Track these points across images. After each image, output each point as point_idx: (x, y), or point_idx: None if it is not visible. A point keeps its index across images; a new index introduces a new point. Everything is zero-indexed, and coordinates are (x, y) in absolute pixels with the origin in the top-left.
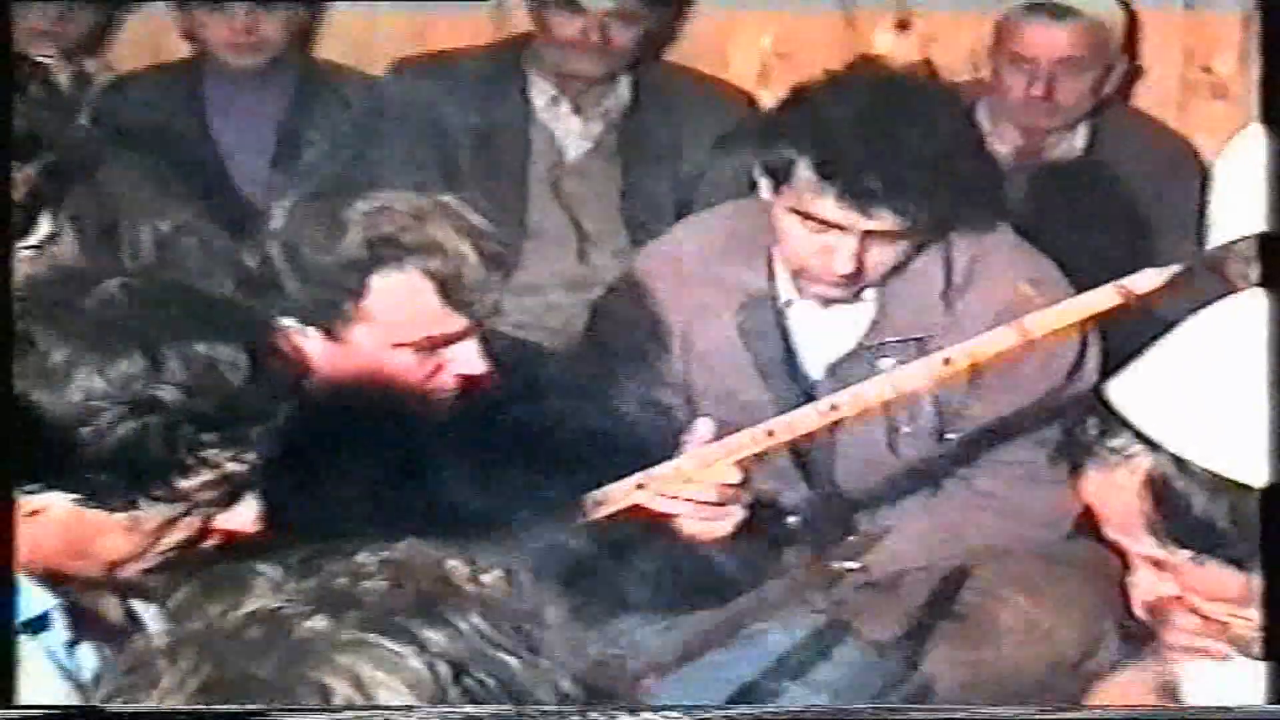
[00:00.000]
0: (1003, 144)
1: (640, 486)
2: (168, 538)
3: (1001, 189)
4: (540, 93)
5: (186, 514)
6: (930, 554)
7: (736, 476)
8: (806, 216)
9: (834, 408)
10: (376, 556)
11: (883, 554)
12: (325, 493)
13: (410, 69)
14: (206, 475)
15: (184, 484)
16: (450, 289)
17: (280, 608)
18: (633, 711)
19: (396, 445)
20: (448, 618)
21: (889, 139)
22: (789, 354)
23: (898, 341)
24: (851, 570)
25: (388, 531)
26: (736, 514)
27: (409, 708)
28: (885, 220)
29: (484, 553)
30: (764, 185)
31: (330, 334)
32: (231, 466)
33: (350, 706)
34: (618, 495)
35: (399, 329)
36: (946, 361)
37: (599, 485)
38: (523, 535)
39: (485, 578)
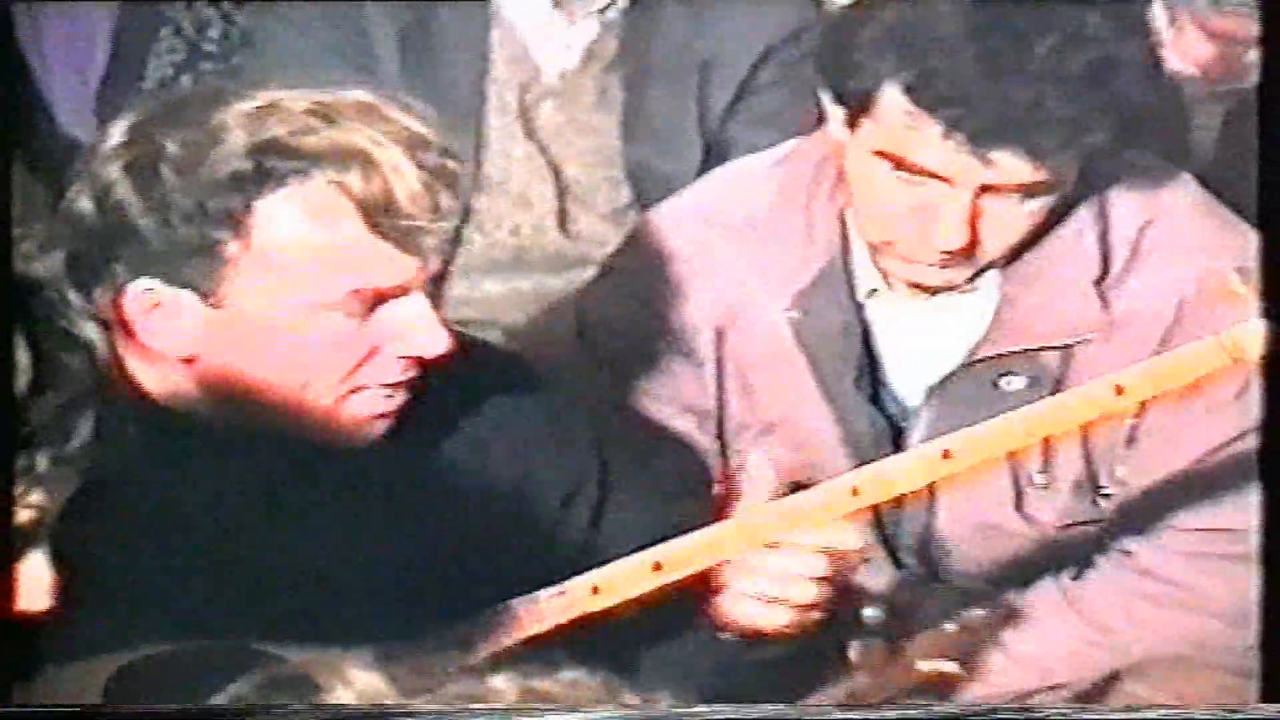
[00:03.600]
0: (1186, 59)
1: (658, 568)
2: None
3: (1184, 124)
4: None
5: None
6: (1073, 664)
7: (854, 540)
8: (898, 163)
9: (947, 455)
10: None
11: (997, 658)
12: (150, 555)
13: None
14: None
15: None
16: (379, 213)
17: None
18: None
19: (274, 491)
20: None
21: (1019, 50)
22: (870, 368)
23: (1029, 352)
24: (945, 675)
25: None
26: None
27: (409, 708)
28: (1012, 168)
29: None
30: (835, 117)
31: (209, 296)
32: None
33: (350, 706)
34: (626, 578)
35: (306, 279)
36: (1119, 391)
37: (584, 566)
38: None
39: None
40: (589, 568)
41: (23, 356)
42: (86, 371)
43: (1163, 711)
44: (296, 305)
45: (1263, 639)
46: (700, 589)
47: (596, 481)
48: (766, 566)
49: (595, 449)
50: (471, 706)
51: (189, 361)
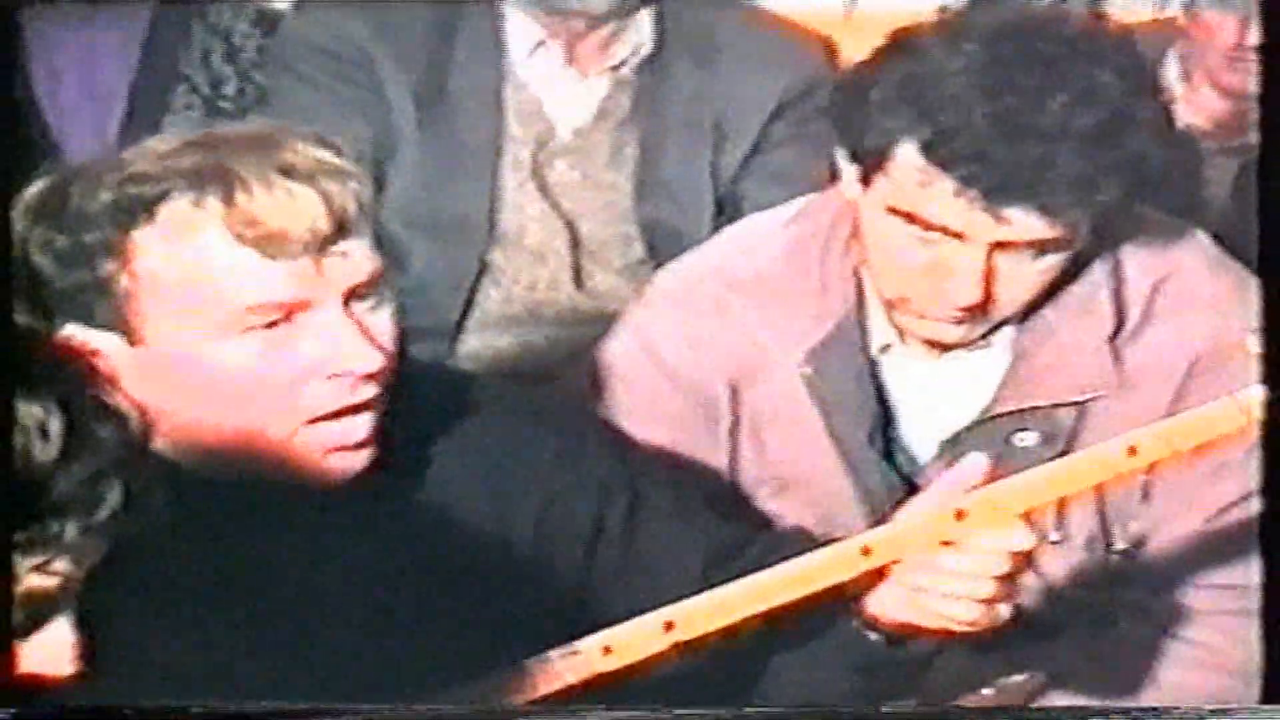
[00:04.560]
0: (1199, 113)
1: (669, 627)
2: None
3: (1197, 180)
4: (521, 35)
5: None
6: None
7: (1026, 540)
8: (911, 219)
9: (960, 515)
10: None
11: None
12: (171, 618)
13: None
14: None
15: None
16: (246, 228)
17: None
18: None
19: (283, 546)
20: None
21: (1033, 107)
22: (884, 424)
23: (1043, 409)
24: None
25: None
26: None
27: (409, 707)
28: (1027, 225)
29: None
30: (849, 174)
31: (126, 335)
32: (34, 581)
33: (350, 706)
34: (638, 638)
35: (196, 302)
36: (1133, 452)
37: (596, 625)
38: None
39: None
40: (616, 612)
41: (55, 424)
42: (117, 441)
43: (1162, 712)
44: (201, 331)
45: (1263, 639)
46: (851, 588)
47: (622, 519)
48: (946, 564)
49: (620, 486)
50: (473, 707)
51: (143, 413)
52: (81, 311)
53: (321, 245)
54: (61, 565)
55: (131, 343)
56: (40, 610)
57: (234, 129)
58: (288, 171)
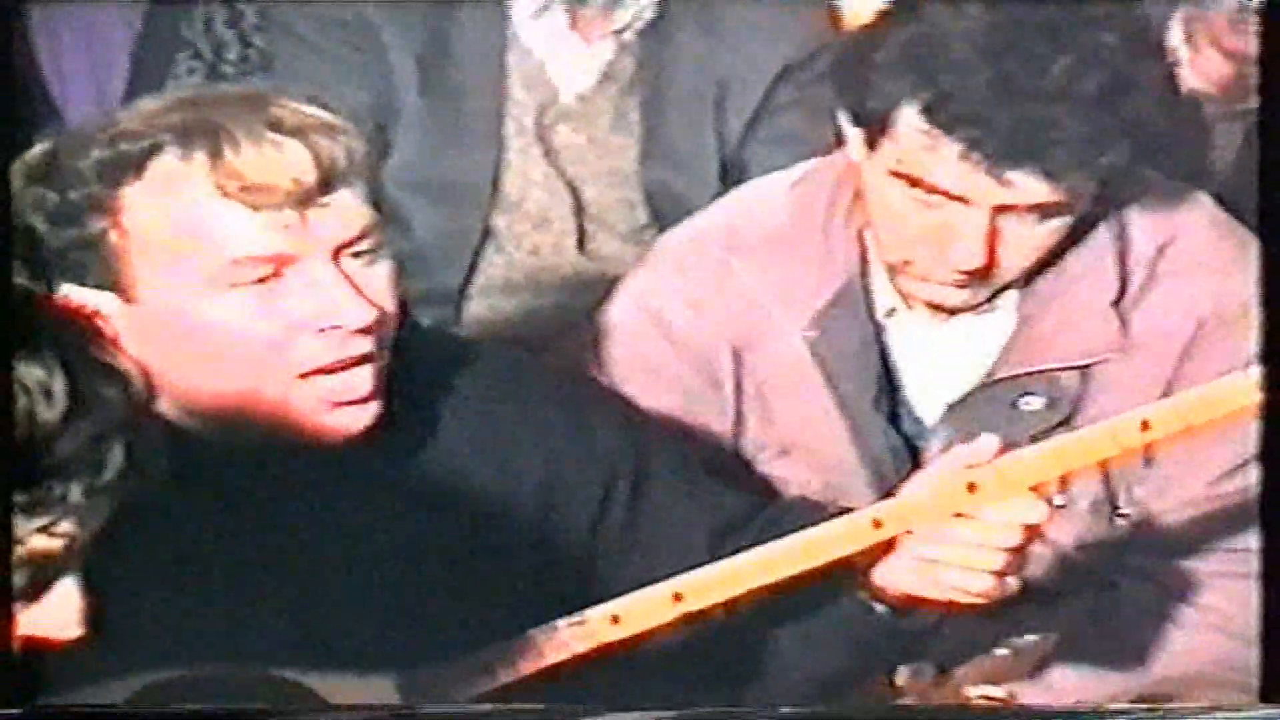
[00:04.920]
0: (1204, 77)
1: (678, 598)
2: None
3: (1202, 144)
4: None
5: None
6: (1100, 686)
7: (1037, 513)
8: (915, 183)
9: (972, 488)
10: None
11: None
12: (179, 579)
13: None
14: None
15: None
16: (232, 182)
17: None
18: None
19: (289, 510)
20: None
21: (1036, 69)
22: (888, 388)
23: (1047, 372)
24: (992, 700)
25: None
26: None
27: (410, 707)
28: (1030, 188)
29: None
30: (853, 138)
31: (120, 292)
32: (39, 542)
33: (350, 707)
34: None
35: (184, 256)
36: (1145, 426)
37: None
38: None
39: None
40: (623, 582)
41: (58, 385)
42: (120, 402)
43: (1163, 712)
44: (191, 287)
45: (1263, 639)
46: (857, 560)
47: (629, 489)
48: (958, 535)
49: (626, 454)
50: (475, 707)
51: (145, 373)
52: (75, 271)
53: (307, 198)
54: (66, 527)
55: (126, 301)
56: (45, 572)
57: (226, 88)
58: (276, 126)
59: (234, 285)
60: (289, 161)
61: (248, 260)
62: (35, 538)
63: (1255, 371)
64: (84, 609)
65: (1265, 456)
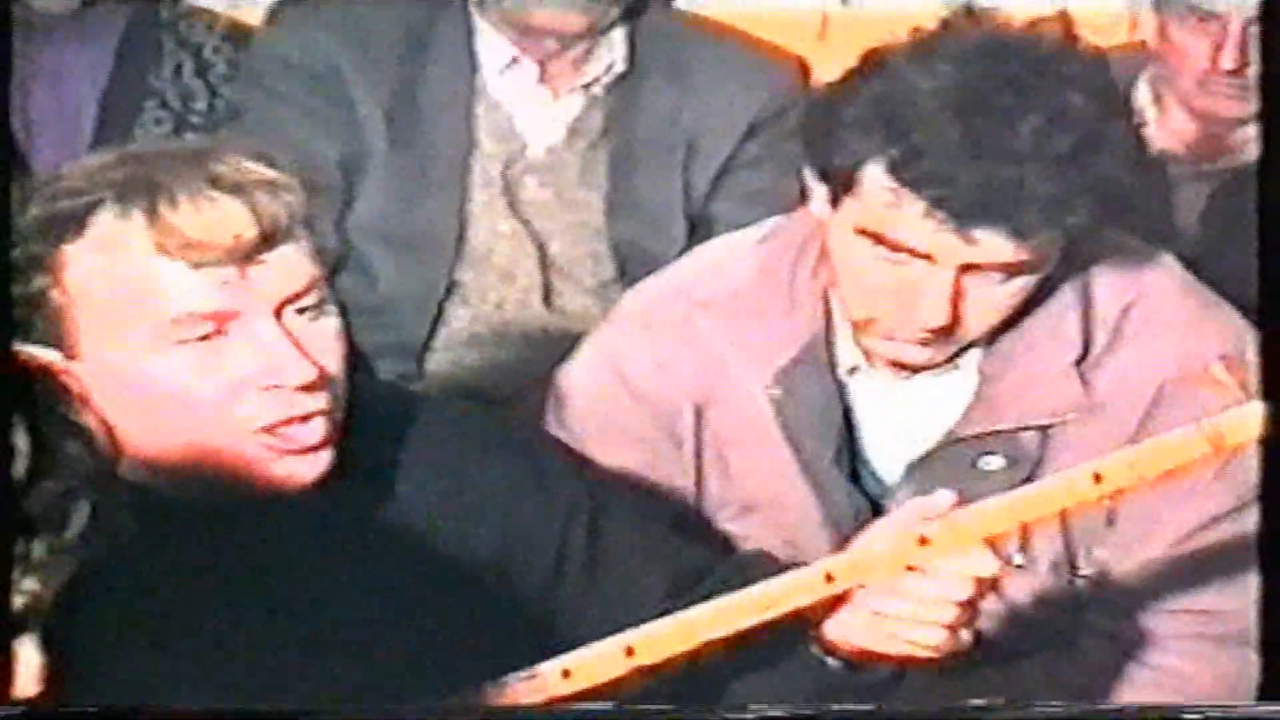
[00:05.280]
0: (1171, 138)
1: (630, 653)
2: None
3: (1168, 204)
4: (492, 51)
5: None
6: None
7: (989, 566)
8: (880, 240)
9: (924, 542)
10: None
11: None
12: (132, 632)
13: (296, 9)
14: None
15: None
16: (171, 240)
17: None
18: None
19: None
20: None
21: (1003, 129)
22: (850, 446)
23: (1008, 432)
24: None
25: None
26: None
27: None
28: (996, 247)
29: None
30: (818, 194)
31: (64, 350)
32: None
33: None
34: (598, 662)
35: (123, 314)
36: (1098, 479)
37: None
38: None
39: None
40: (579, 636)
41: (21, 441)
42: (85, 458)
43: (1163, 712)
44: (134, 345)
45: (1263, 639)
46: (810, 613)
47: (585, 543)
48: (909, 589)
49: (582, 508)
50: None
51: (108, 430)
52: (23, 326)
53: (248, 254)
54: (29, 584)
55: (70, 358)
56: (5, 630)
57: (170, 144)
58: (216, 183)
59: (177, 342)
60: (226, 218)
61: (188, 317)
62: None
63: (1209, 424)
64: (44, 668)
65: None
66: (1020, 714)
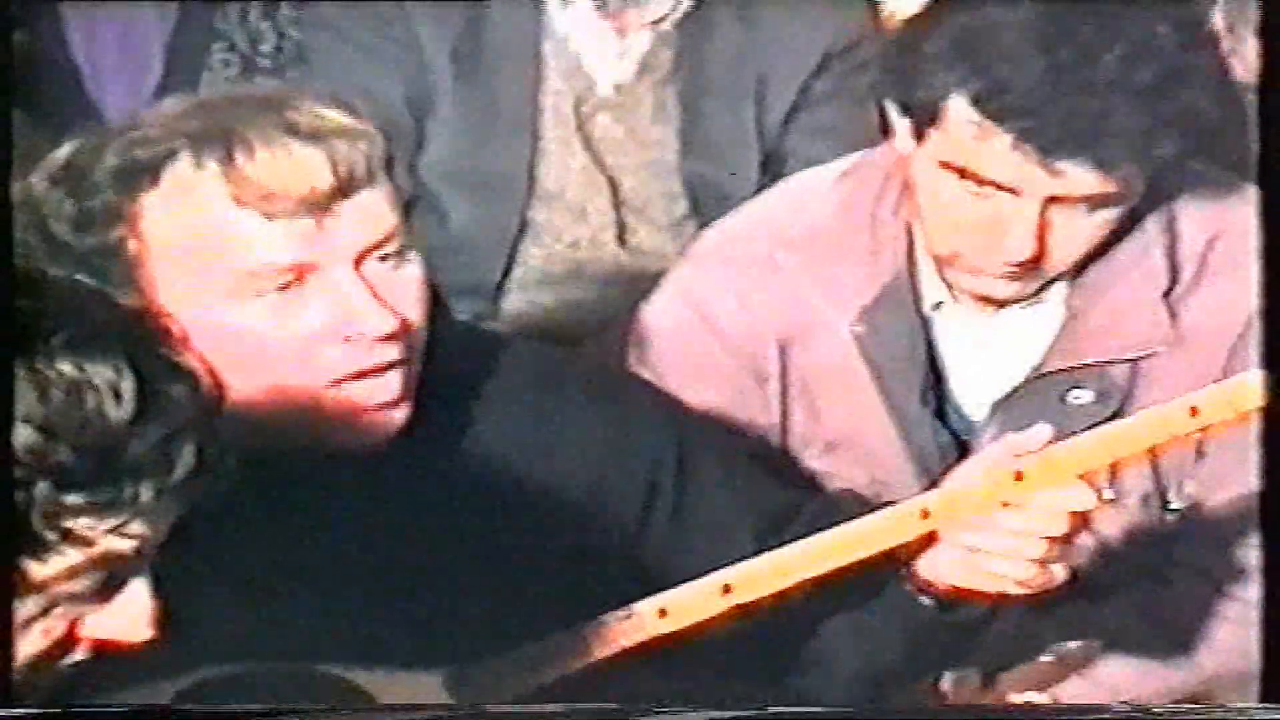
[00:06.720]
0: (1246, 67)
1: (727, 590)
2: (18, 647)
3: (1249, 133)
4: None
5: (44, 614)
6: (1146, 681)
7: (1085, 500)
8: (965, 174)
9: (1019, 477)
10: None
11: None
12: (227, 579)
13: None
14: (73, 556)
15: (40, 571)
16: (249, 191)
17: None
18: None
19: (341, 510)
20: None
21: (1087, 61)
22: (935, 383)
23: (1097, 366)
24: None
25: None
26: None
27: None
28: (1081, 179)
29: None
30: (900, 128)
31: (140, 299)
32: (110, 543)
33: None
34: (694, 600)
35: (199, 265)
36: (1194, 413)
37: (651, 590)
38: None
39: None
40: (669, 577)
41: (127, 385)
42: (189, 401)
43: (1164, 712)
44: (212, 295)
45: (1263, 639)
46: (900, 552)
47: (673, 483)
48: (1003, 524)
49: (670, 449)
50: (478, 706)
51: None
52: (99, 277)
53: (324, 204)
54: (137, 527)
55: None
56: (117, 573)
57: (244, 90)
58: (293, 130)
59: (255, 294)
60: (302, 168)
61: (265, 269)
62: (107, 538)
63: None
64: (154, 610)
65: (1266, 458)
66: (1020, 714)
